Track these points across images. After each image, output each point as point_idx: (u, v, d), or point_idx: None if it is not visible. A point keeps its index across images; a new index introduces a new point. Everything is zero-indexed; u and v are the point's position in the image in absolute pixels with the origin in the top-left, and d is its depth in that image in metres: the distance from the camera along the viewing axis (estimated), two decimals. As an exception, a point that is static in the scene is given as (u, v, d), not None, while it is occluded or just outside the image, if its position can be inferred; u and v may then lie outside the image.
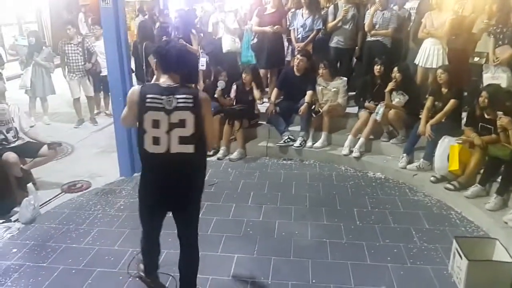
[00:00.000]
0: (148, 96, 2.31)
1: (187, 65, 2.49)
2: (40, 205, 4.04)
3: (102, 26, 4.52)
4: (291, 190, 4.52)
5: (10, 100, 4.38)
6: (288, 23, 6.05)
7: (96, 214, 3.98)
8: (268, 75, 6.40)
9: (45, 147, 4.34)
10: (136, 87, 2.40)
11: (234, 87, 5.59)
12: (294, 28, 5.93)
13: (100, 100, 7.21)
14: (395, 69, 4.99)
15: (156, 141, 2.32)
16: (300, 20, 5.84)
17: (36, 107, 6.78)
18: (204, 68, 6.53)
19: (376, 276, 3.06)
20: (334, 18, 5.88)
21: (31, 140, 4.44)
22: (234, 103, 5.59)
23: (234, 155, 5.34)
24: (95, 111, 7.03)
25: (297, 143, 5.33)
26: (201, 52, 6.39)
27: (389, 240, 3.51)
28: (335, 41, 5.94)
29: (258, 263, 3.23)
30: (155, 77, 2.55)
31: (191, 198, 2.52)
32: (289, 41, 6.21)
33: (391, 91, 5.01)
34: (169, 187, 2.42)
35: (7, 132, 4.25)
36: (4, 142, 4.22)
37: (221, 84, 5.42)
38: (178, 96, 2.31)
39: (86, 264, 3.22)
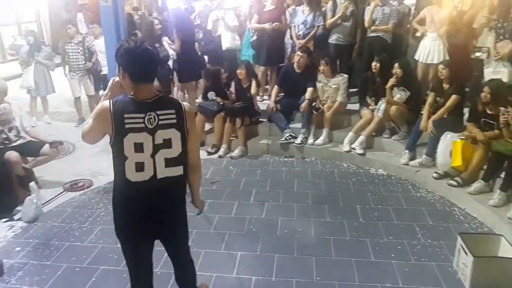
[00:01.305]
0: (126, 115, 1.90)
1: (160, 70, 2.14)
2: (43, 204, 4.04)
3: (102, 25, 4.51)
4: (293, 187, 4.51)
5: (9, 99, 4.35)
6: (287, 20, 6.04)
7: (98, 213, 3.98)
8: (268, 73, 6.40)
9: (46, 146, 4.34)
10: (105, 103, 1.94)
11: (232, 84, 5.58)
12: (294, 25, 5.92)
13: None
14: (396, 65, 4.98)
15: (139, 167, 1.95)
16: (301, 17, 5.82)
17: (37, 106, 6.77)
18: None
19: (380, 273, 3.06)
20: (333, 15, 5.86)
21: (33, 139, 4.43)
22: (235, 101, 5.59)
23: (235, 152, 5.34)
24: (95, 110, 7.01)
25: (298, 140, 5.32)
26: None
27: (393, 237, 3.51)
28: (335, 38, 5.92)
29: (262, 261, 3.23)
30: (108, 86, 2.11)
31: (180, 223, 2.20)
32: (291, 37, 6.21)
33: (392, 87, 5.00)
34: (155, 217, 2.05)
35: (9, 131, 4.24)
36: (6, 141, 4.22)
37: (211, 96, 5.43)
38: (159, 112, 1.94)
39: (90, 262, 3.23)
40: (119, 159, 1.96)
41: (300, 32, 5.87)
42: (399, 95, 4.98)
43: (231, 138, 5.48)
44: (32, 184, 4.03)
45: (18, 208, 3.94)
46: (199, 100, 6.09)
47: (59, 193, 4.37)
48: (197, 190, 2.29)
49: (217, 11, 6.34)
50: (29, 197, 3.87)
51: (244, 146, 5.41)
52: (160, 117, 1.94)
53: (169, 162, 1.99)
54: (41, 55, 6.52)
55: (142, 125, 1.92)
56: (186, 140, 2.03)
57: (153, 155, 1.96)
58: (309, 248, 3.38)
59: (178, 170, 2.03)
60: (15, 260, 3.26)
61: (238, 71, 5.49)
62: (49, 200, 4.19)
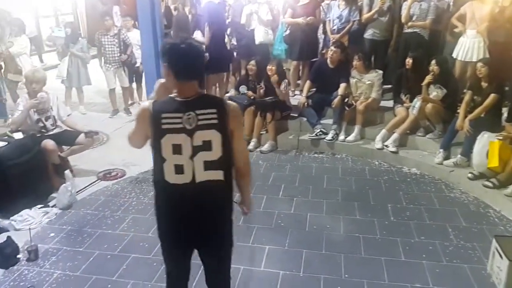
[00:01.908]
0: (164, 115, 1.83)
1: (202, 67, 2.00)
2: (77, 192, 4.15)
3: (138, 18, 4.55)
4: (322, 183, 4.47)
5: (47, 89, 4.48)
6: (322, 14, 5.98)
7: (130, 202, 4.06)
8: (300, 67, 6.36)
9: (82, 136, 4.45)
10: (146, 104, 1.89)
11: (262, 83, 5.56)
12: (329, 20, 5.84)
13: (133, 91, 7.32)
14: (433, 61, 4.84)
15: (179, 169, 1.85)
16: (336, 11, 5.76)
17: (72, 97, 6.95)
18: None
19: (411, 273, 3.00)
20: (370, 9, 5.75)
21: (69, 129, 4.55)
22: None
23: (265, 147, 5.33)
24: (129, 102, 7.14)
25: (329, 136, 5.26)
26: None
27: (424, 237, 3.42)
28: (371, 33, 5.81)
29: (290, 256, 3.22)
30: (154, 89, 2.06)
31: (221, 234, 2.05)
32: (325, 33, 6.15)
33: (428, 85, 4.87)
34: (196, 223, 1.95)
35: (46, 120, 4.37)
36: (43, 130, 4.36)
37: (242, 89, 5.43)
38: (198, 112, 1.83)
39: (121, 250, 3.30)
40: (158, 160, 1.88)
41: (335, 27, 5.80)
42: (435, 92, 4.84)
43: (261, 133, 5.47)
44: (67, 172, 4.15)
45: (53, 195, 4.06)
46: (230, 93, 6.13)
47: (93, 181, 4.48)
48: (247, 194, 2.15)
49: (251, 5, 6.33)
50: (64, 184, 3.98)
51: (274, 141, 5.40)
52: (200, 117, 1.83)
53: (208, 166, 1.87)
54: (77, 47, 6.66)
55: (180, 125, 1.82)
56: (228, 143, 1.89)
57: (192, 157, 1.85)
58: (338, 245, 3.35)
59: (218, 175, 1.90)
60: (49, 246, 3.38)
61: (268, 67, 5.46)
62: (83, 188, 4.30)
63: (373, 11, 5.69)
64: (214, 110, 1.85)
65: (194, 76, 1.89)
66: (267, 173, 4.70)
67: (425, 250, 3.26)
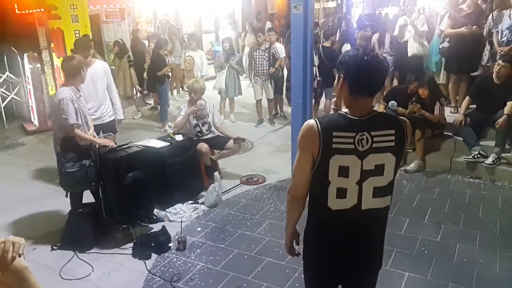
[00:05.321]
0: (335, 134, 1.64)
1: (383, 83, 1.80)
2: (223, 193, 4.45)
3: (291, 32, 4.72)
4: (477, 212, 3.99)
5: (205, 98, 4.93)
6: (489, 25, 5.39)
7: (268, 207, 4.20)
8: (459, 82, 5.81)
9: (231, 141, 4.78)
10: (311, 122, 1.68)
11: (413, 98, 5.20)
12: (497, 31, 5.23)
13: (277, 101, 7.58)
14: None
15: (341, 193, 1.69)
16: (507, 22, 5.12)
17: (225, 106, 7.53)
18: None
19: None
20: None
21: (220, 134, 4.94)
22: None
23: (411, 166, 4.98)
24: (273, 113, 7.42)
25: (489, 160, 4.67)
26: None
27: None
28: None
29: (432, 287, 2.93)
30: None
31: (375, 264, 1.92)
32: (490, 44, 5.53)
33: None
34: (355, 252, 1.80)
35: (202, 126, 4.82)
36: (199, 134, 4.81)
37: (392, 105, 5.11)
38: (374, 133, 1.64)
39: (257, 252, 3.43)
40: (321, 185, 1.70)
41: (504, 38, 5.22)
42: None
43: (408, 150, 5.13)
44: (216, 173, 4.50)
45: (203, 193, 4.43)
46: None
47: (236, 185, 4.76)
48: None
49: (406, 16, 6.05)
50: (212, 185, 4.32)
51: (421, 160, 5.02)
52: (375, 139, 1.64)
53: (378, 192, 1.70)
54: (234, 60, 7.21)
55: (352, 146, 1.63)
56: (399, 166, 1.72)
57: (359, 183, 1.68)
58: (491, 283, 2.97)
59: (385, 201, 1.74)
60: (195, 239, 3.68)
61: (420, 91, 5.09)
62: (227, 190, 4.60)
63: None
64: (392, 132, 1.67)
65: (372, 91, 1.72)
66: (412, 195, 4.39)
67: None
